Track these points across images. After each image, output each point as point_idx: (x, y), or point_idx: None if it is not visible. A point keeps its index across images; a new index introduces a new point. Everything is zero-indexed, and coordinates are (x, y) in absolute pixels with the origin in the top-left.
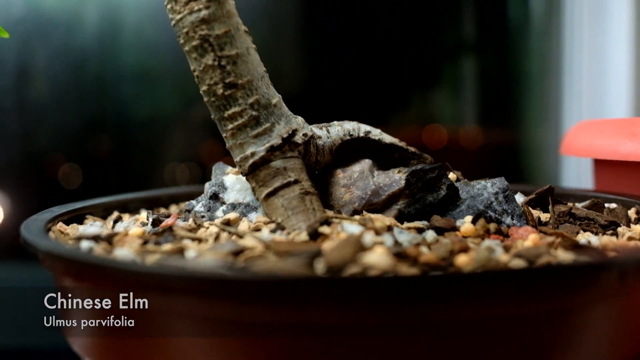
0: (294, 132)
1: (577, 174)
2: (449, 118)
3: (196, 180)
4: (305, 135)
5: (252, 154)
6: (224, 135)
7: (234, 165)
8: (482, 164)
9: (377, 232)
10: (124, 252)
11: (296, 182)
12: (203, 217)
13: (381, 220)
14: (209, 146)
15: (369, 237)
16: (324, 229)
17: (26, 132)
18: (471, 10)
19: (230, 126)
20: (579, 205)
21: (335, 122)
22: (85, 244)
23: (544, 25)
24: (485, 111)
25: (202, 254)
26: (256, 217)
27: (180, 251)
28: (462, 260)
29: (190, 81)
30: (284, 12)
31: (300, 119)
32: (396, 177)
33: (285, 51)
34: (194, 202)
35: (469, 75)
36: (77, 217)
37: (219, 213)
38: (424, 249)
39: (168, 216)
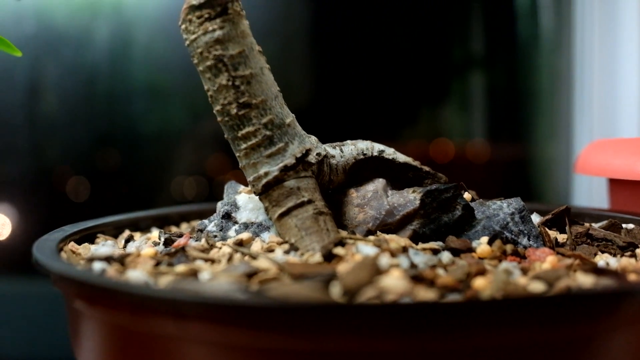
0: (308, 152)
1: (588, 192)
2: (456, 133)
3: (203, 193)
4: (318, 154)
5: (266, 174)
6: (237, 154)
7: (244, 182)
8: (490, 178)
9: (393, 254)
10: (137, 274)
11: (310, 202)
12: (215, 236)
13: (396, 241)
14: (216, 159)
15: (384, 260)
16: (339, 250)
17: (35, 147)
18: (480, 26)
19: (243, 146)
20: (595, 225)
21: (349, 141)
22: (97, 266)
23: (554, 41)
24: (494, 126)
25: (216, 276)
26: (269, 237)
27: (194, 273)
28: (479, 283)
29: (198, 96)
30: (292, 29)
31: (313, 138)
32: (411, 197)
33: (293, 68)
34: (206, 221)
35: (477, 91)
36: (89, 236)
37: (231, 232)
38: (440, 271)
39: (180, 235)
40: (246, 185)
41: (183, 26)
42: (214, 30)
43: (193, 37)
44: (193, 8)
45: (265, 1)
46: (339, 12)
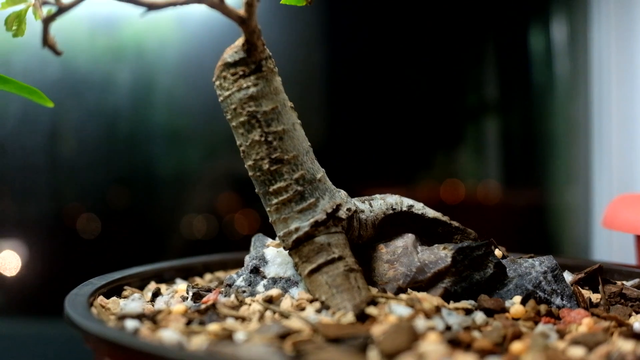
0: (338, 207)
1: (608, 242)
2: (470, 176)
3: (213, 231)
4: (349, 210)
5: (296, 229)
6: (267, 209)
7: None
8: (504, 223)
9: (427, 315)
10: (169, 333)
11: (340, 258)
12: (244, 292)
13: (429, 300)
14: (225, 198)
15: (421, 323)
16: (371, 310)
17: (54, 188)
18: (495, 72)
19: (274, 201)
20: (627, 284)
21: (378, 196)
22: (130, 324)
23: (571, 87)
24: (509, 171)
25: (250, 337)
26: (298, 293)
27: (229, 334)
28: (517, 347)
29: (213, 138)
30: (310, 74)
31: (343, 192)
32: (442, 254)
33: (311, 111)
34: (234, 275)
35: (492, 135)
36: (116, 289)
37: (259, 288)
38: (476, 334)
39: (208, 290)
40: (275, 238)
41: (217, 82)
42: (248, 87)
43: (227, 93)
44: (228, 65)
45: (284, 47)
46: (355, 57)
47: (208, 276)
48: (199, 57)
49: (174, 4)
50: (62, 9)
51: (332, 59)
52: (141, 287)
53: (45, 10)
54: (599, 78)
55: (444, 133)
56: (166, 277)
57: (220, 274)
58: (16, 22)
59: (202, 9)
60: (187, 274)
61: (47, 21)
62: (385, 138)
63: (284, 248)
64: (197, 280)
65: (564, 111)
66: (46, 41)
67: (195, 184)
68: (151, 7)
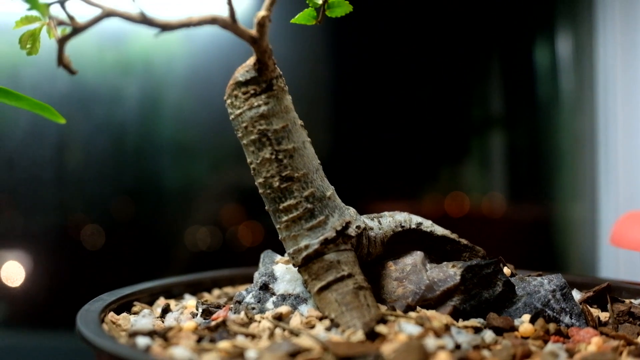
0: (348, 225)
1: (615, 257)
2: (475, 190)
3: (217, 243)
4: (358, 227)
5: (306, 247)
6: (277, 226)
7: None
8: (510, 237)
9: (437, 333)
10: (181, 351)
11: (350, 276)
12: (254, 308)
13: (438, 318)
14: (229, 210)
15: (431, 341)
16: (381, 328)
17: (60, 201)
18: (501, 85)
19: (284, 218)
20: (635, 302)
21: (386, 213)
22: (141, 341)
23: (576, 102)
24: (514, 185)
25: (261, 355)
26: (308, 310)
27: (240, 353)
28: None
29: (218, 152)
30: (316, 90)
31: (352, 210)
32: (451, 272)
33: (316, 126)
34: (244, 292)
35: (497, 150)
36: (126, 305)
37: (269, 305)
38: (485, 353)
39: (217, 306)
40: (284, 255)
41: (229, 101)
42: (259, 105)
43: (238, 111)
44: (239, 84)
45: (290, 63)
46: (361, 72)
47: (216, 291)
48: (206, 72)
49: (188, 25)
50: (77, 30)
51: (338, 74)
52: (150, 303)
53: (60, 30)
54: (605, 93)
55: (449, 147)
56: (175, 293)
57: (228, 290)
58: (30, 41)
59: (210, 31)
60: (195, 289)
61: (63, 41)
62: (390, 152)
63: (294, 265)
64: (206, 295)
65: (569, 126)
66: (61, 61)
67: (201, 196)
68: (165, 28)
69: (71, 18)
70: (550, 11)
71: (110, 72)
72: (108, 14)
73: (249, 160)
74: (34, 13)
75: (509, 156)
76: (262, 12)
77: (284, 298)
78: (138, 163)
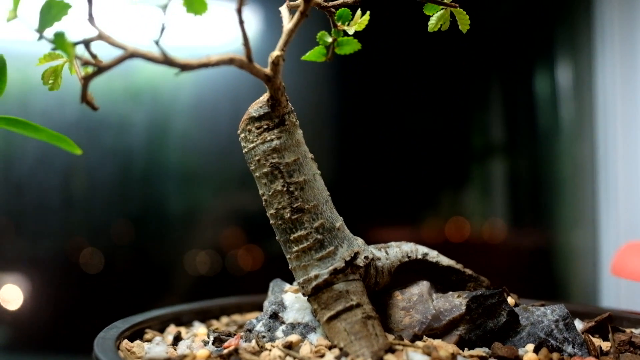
0: (356, 255)
1: (616, 285)
2: (476, 216)
3: (217, 267)
4: (366, 258)
5: (316, 277)
6: (287, 256)
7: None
8: (510, 263)
9: None
10: None
11: (358, 305)
12: (264, 337)
13: (444, 348)
14: (228, 234)
15: None
16: (389, 357)
17: (65, 226)
18: (502, 114)
19: (295, 248)
20: (636, 331)
21: (393, 243)
22: None
23: (576, 130)
24: (515, 212)
25: None
26: (317, 339)
27: None
28: None
29: (221, 177)
30: (320, 117)
31: (360, 240)
32: (456, 302)
33: (320, 152)
34: (254, 320)
35: (498, 176)
36: (138, 332)
37: (279, 333)
38: None
39: (228, 334)
40: (292, 284)
41: (242, 135)
42: (271, 139)
43: (251, 145)
44: (253, 119)
45: (295, 90)
46: (364, 102)
47: (224, 319)
48: (212, 101)
49: (206, 65)
50: (101, 69)
51: (341, 101)
52: (161, 330)
53: (82, 68)
54: (604, 121)
55: (450, 173)
56: (184, 320)
57: (236, 317)
58: (52, 77)
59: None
60: (204, 316)
61: (87, 80)
62: (393, 178)
63: (303, 294)
64: (215, 323)
65: (569, 154)
66: (84, 98)
67: (204, 221)
68: (185, 68)
69: (94, 57)
70: (550, 41)
71: (118, 100)
72: (132, 54)
73: (261, 192)
74: (57, 50)
75: (510, 183)
76: (276, 52)
77: (293, 327)
78: (144, 189)
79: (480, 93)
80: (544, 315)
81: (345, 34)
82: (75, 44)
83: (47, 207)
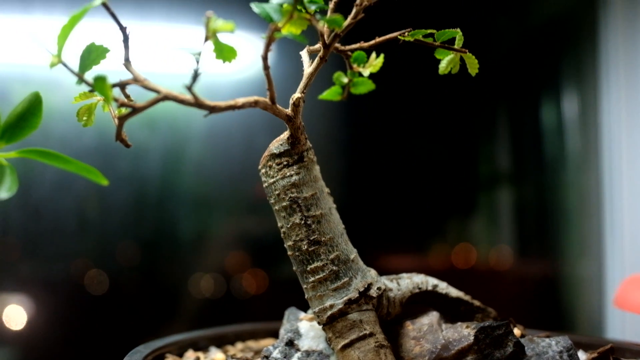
0: (370, 286)
1: (621, 315)
2: (482, 245)
3: (221, 290)
4: (379, 289)
5: (331, 306)
6: (304, 286)
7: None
8: (517, 291)
9: None
10: None
11: (371, 334)
12: None
13: None
14: (233, 258)
15: None
16: None
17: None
18: (508, 144)
19: (311, 279)
20: None
21: (404, 275)
22: None
23: (582, 160)
24: (521, 241)
25: None
26: None
27: None
28: None
29: (229, 204)
30: (330, 146)
31: (373, 271)
32: (465, 333)
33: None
34: (271, 347)
35: (505, 206)
36: (159, 357)
37: None
38: None
39: None
40: (307, 312)
41: (263, 170)
42: (291, 175)
43: (272, 180)
44: (274, 156)
45: (307, 123)
46: (374, 133)
47: (239, 345)
48: (225, 129)
49: (233, 108)
50: (136, 110)
51: (351, 132)
52: (180, 355)
53: (116, 108)
54: (610, 151)
55: (458, 202)
56: (201, 345)
57: (251, 343)
58: (86, 114)
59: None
60: (220, 342)
61: (122, 120)
62: (401, 206)
63: (318, 323)
64: (230, 349)
65: (575, 183)
66: (119, 137)
67: (212, 245)
68: (213, 110)
69: (127, 97)
70: (556, 72)
71: (134, 127)
72: (165, 97)
73: (279, 224)
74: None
75: (516, 212)
76: (297, 95)
77: (308, 354)
78: (158, 214)
79: (487, 123)
80: (549, 346)
81: (360, 74)
82: (113, 86)
83: (62, 230)
